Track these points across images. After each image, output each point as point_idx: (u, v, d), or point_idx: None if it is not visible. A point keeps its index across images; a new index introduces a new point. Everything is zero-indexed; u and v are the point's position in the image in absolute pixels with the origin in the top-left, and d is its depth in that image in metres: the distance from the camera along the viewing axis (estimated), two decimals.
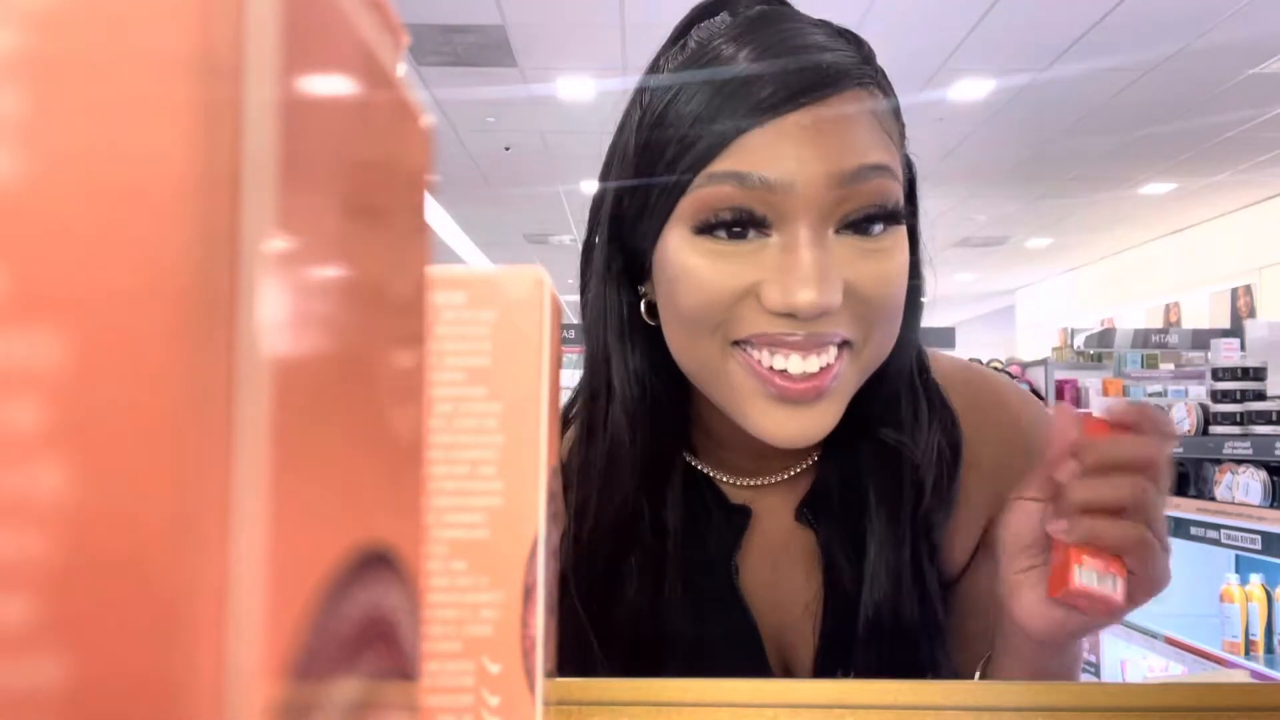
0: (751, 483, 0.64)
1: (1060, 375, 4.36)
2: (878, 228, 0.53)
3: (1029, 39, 4.28)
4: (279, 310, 0.10)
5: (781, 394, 0.52)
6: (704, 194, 0.52)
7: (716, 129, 0.52)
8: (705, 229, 0.53)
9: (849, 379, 0.54)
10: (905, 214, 0.56)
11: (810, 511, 0.62)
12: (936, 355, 0.68)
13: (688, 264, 0.54)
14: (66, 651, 0.09)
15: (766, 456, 0.62)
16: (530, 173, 6.13)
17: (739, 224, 0.53)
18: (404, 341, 0.15)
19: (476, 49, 4.34)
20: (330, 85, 0.11)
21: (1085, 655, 3.17)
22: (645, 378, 0.60)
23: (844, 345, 0.54)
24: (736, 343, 0.54)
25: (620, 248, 0.60)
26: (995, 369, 4.15)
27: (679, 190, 0.53)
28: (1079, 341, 6.37)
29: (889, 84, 0.57)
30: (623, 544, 0.61)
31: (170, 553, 0.09)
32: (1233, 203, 7.39)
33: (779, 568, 0.63)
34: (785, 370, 0.52)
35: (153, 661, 0.09)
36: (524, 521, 0.24)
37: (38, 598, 0.09)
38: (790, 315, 0.51)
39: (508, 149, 5.69)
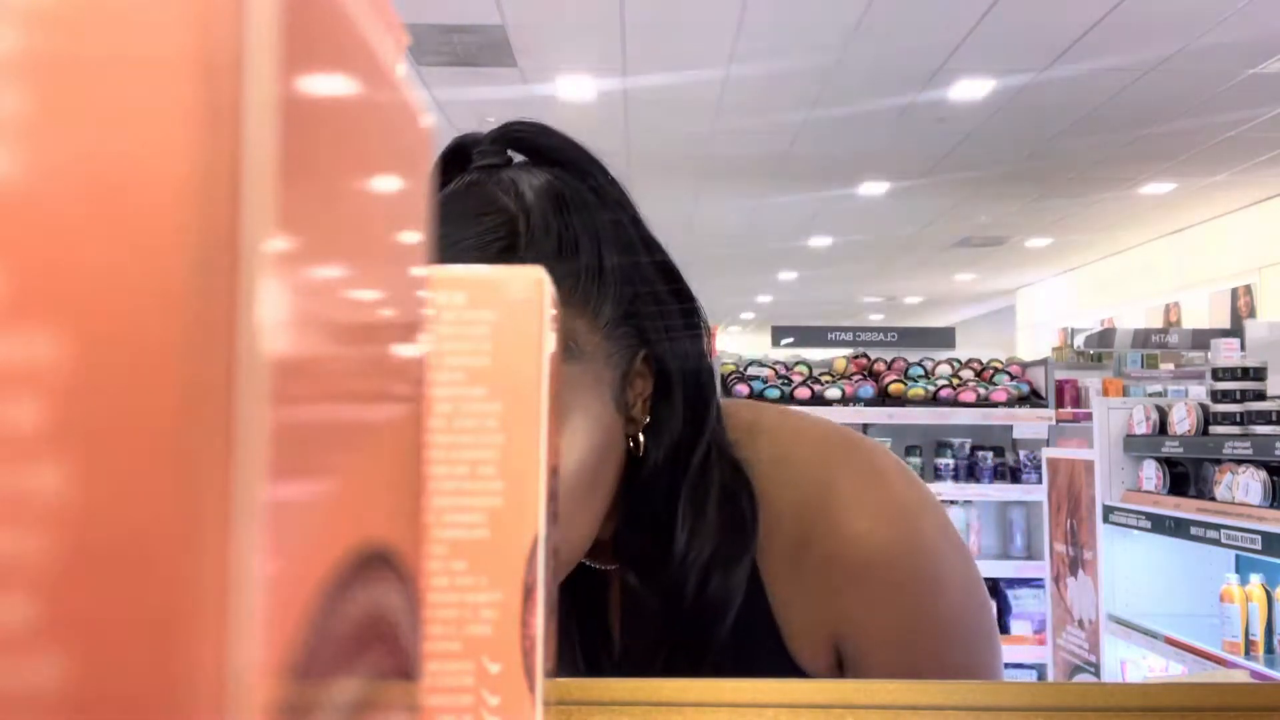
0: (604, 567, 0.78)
1: (1060, 375, 4.35)
2: None
3: (1029, 39, 4.27)
4: (279, 310, 0.10)
5: None
6: None
7: None
8: None
9: None
10: (635, 353, 0.62)
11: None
12: (804, 420, 0.72)
13: None
14: (67, 651, 0.09)
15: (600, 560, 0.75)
16: None
17: None
18: (404, 341, 0.15)
19: (476, 49, 4.33)
20: (330, 85, 0.11)
21: (1085, 655, 3.17)
22: None
23: None
24: None
25: None
26: (995, 368, 4.16)
27: None
28: (1079, 341, 6.37)
29: (563, 252, 0.60)
30: None
31: (170, 553, 0.09)
32: (1233, 203, 7.38)
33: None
34: None
35: (153, 661, 0.09)
36: (524, 521, 0.24)
37: (38, 597, 0.09)
38: None
39: None
